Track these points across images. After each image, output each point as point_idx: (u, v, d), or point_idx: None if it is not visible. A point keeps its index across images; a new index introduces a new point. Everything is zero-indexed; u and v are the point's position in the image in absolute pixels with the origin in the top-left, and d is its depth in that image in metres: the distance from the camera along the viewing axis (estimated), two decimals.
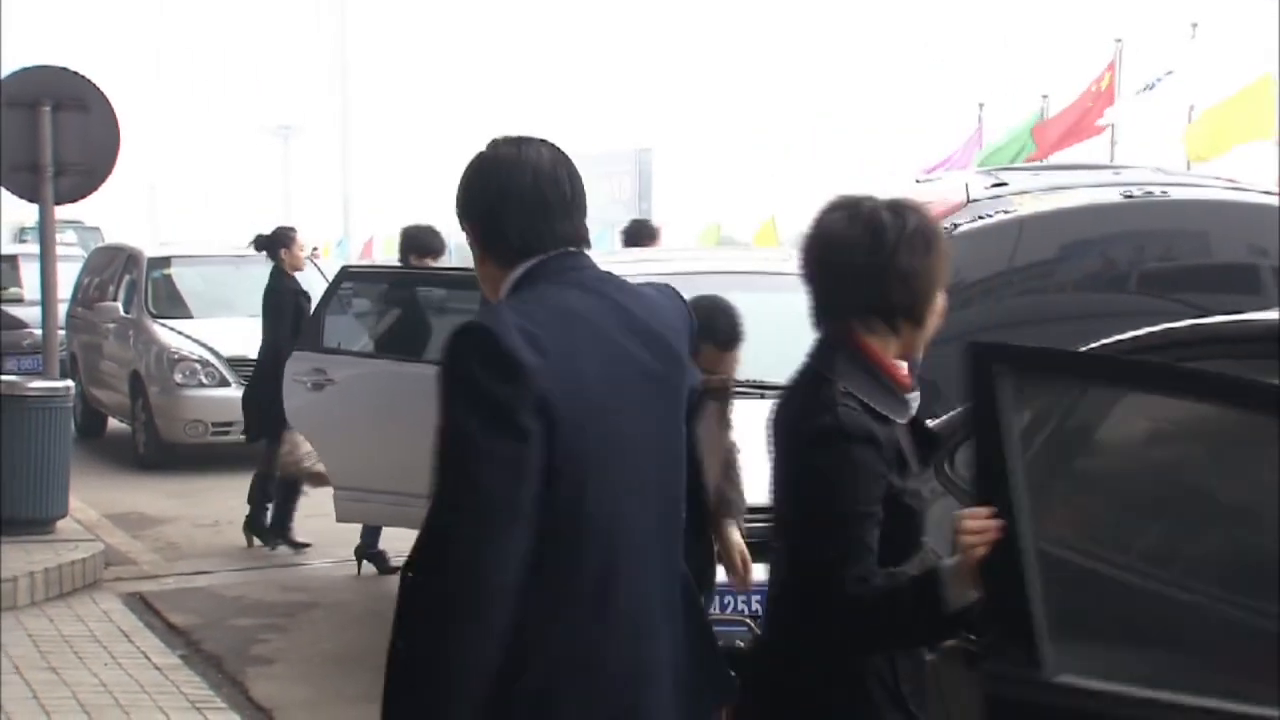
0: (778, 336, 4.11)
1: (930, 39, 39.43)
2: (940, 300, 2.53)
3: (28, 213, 17.06)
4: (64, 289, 11.65)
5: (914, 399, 2.54)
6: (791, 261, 6.10)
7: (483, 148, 2.45)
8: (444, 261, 8.19)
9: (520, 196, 2.36)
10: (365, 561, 7.73)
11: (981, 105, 18.42)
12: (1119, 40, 15.78)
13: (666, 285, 2.52)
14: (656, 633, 2.36)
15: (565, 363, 2.22)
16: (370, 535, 7.70)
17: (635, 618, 2.32)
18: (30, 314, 14.51)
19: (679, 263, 6.34)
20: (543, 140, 2.45)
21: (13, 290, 16.71)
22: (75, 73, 8.31)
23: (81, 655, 5.97)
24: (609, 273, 2.42)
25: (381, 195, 49.68)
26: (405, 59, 53.62)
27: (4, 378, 8.42)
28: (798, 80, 41.53)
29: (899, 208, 2.50)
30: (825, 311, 2.53)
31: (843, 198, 2.55)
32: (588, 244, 2.42)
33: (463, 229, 2.46)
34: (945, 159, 17.78)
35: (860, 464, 2.39)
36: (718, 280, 4.99)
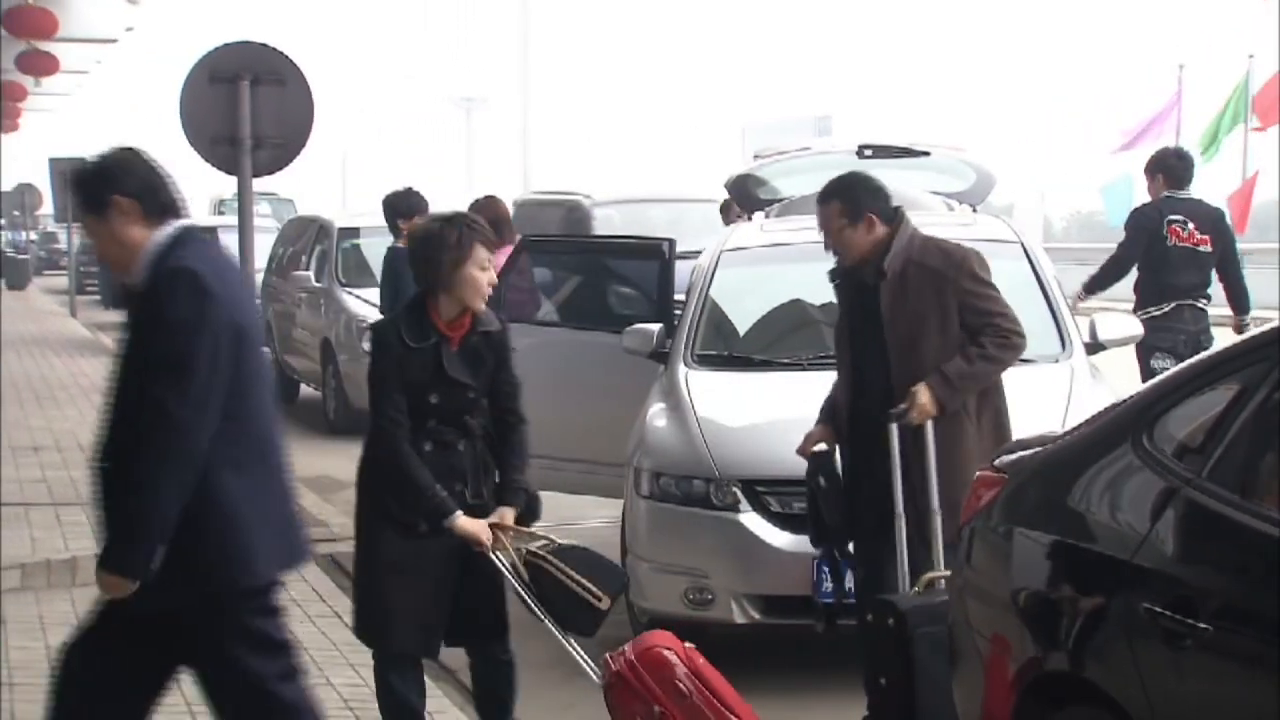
0: None
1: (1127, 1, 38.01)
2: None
3: (226, 185, 17.68)
4: (260, 259, 12.02)
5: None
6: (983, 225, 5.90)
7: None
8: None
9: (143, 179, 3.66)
10: None
11: (1181, 67, 17.70)
12: None
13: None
14: (286, 490, 3.79)
15: (230, 294, 3.58)
16: None
17: (280, 472, 3.77)
18: None
19: None
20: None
21: None
22: (273, 48, 8.49)
23: None
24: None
25: (561, 165, 50.15)
26: (586, 31, 53.97)
27: None
28: (977, 48, 40.54)
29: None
30: None
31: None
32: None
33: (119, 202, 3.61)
34: (1145, 124, 17.14)
35: None
36: None
